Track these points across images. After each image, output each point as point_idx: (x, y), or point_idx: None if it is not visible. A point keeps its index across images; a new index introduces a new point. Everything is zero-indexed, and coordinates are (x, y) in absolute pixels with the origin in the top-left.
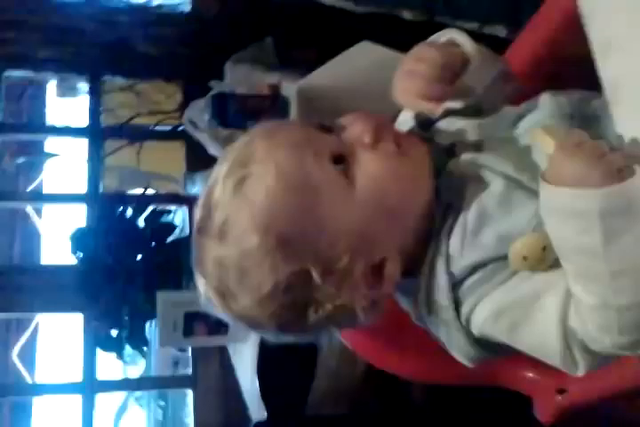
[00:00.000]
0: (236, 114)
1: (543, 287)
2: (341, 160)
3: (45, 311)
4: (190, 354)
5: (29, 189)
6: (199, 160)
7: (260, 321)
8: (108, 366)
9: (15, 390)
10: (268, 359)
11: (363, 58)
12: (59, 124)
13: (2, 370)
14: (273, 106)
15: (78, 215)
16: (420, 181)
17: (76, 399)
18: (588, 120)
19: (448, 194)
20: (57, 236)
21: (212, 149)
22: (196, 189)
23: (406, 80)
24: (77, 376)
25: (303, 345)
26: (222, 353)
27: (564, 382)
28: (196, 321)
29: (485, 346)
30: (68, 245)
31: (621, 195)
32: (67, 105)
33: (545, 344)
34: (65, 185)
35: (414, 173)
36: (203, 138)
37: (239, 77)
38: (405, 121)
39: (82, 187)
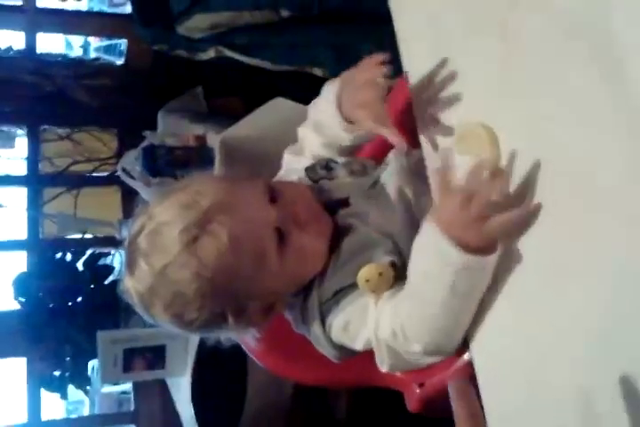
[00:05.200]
0: (166, 164)
1: (369, 306)
2: (280, 234)
3: None
4: (132, 391)
5: None
6: (134, 205)
7: (172, 328)
8: (52, 409)
9: None
10: (201, 387)
11: (276, 112)
12: None
13: None
14: (199, 156)
15: (15, 262)
16: (325, 252)
17: None
18: (423, 175)
19: (331, 240)
20: None
21: (145, 196)
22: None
23: (366, 89)
24: (21, 419)
25: (234, 370)
26: (163, 388)
27: (422, 378)
28: (134, 357)
29: (343, 348)
30: (10, 290)
31: (479, 266)
32: (3, 155)
33: (369, 348)
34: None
35: (323, 248)
36: (136, 185)
37: (170, 127)
38: (295, 170)
39: (21, 234)
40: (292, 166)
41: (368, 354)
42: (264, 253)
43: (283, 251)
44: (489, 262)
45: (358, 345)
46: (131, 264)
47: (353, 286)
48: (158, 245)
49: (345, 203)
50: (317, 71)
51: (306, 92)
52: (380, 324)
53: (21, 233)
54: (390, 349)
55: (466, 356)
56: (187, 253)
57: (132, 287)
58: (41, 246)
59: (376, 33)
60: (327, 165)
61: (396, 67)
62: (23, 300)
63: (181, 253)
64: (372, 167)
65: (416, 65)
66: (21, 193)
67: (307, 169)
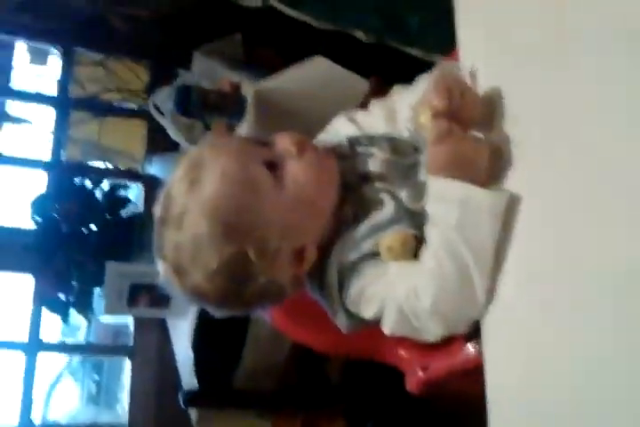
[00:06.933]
0: (198, 106)
1: (388, 270)
2: (273, 167)
3: None
4: (132, 325)
5: None
6: (159, 141)
7: (208, 294)
8: (50, 333)
9: None
10: (202, 334)
11: (316, 71)
12: (28, 89)
13: None
14: (232, 103)
15: (34, 181)
16: (330, 185)
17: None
18: None
19: (356, 208)
20: (9, 199)
21: (173, 134)
22: (152, 169)
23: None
24: (22, 336)
25: (235, 323)
26: (162, 326)
27: (427, 361)
28: (140, 293)
29: (356, 318)
30: (28, 209)
31: (480, 197)
32: (36, 72)
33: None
34: (21, 150)
35: (327, 179)
36: (165, 123)
37: (205, 69)
38: (338, 135)
39: (42, 154)
40: (337, 131)
41: (377, 329)
42: (258, 183)
43: (279, 180)
44: (494, 198)
45: (370, 312)
46: (158, 243)
47: (374, 254)
48: (168, 205)
49: (380, 177)
50: (360, 35)
51: (343, 51)
52: (395, 285)
53: (43, 153)
54: (399, 310)
55: (473, 345)
56: (191, 197)
57: (163, 263)
58: (62, 169)
59: (426, 7)
60: (371, 137)
61: (446, 39)
62: (39, 220)
63: (186, 198)
64: (416, 150)
65: (470, 48)
66: (48, 113)
67: (349, 138)
